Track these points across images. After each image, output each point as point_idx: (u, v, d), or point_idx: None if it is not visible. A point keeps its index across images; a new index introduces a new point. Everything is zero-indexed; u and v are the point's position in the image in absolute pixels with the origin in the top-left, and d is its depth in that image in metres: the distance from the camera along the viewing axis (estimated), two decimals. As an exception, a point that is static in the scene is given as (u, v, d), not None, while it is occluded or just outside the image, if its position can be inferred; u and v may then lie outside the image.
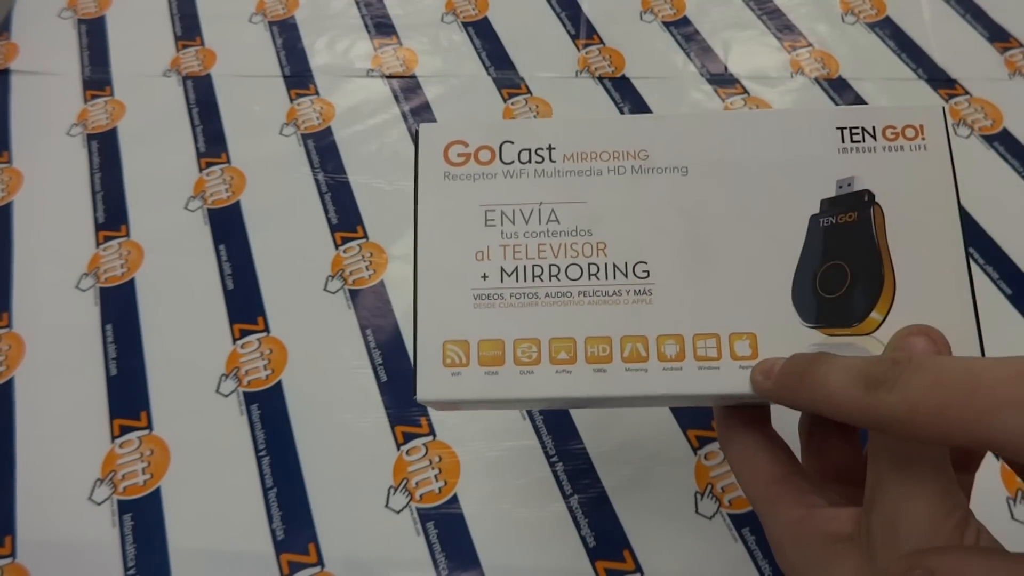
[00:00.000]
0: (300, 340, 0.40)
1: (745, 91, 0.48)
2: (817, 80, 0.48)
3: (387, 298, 0.41)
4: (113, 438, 0.37)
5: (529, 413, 0.37)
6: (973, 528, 0.18)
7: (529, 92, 0.48)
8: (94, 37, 0.52)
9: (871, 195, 0.23)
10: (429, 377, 0.23)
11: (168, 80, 0.50)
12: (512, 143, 0.24)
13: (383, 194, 0.45)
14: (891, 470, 0.18)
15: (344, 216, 0.44)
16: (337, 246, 0.43)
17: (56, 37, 0.52)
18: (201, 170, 0.46)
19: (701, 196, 0.23)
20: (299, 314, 0.41)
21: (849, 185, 0.23)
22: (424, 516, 0.35)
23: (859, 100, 0.47)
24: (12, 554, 0.34)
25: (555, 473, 0.36)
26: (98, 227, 0.44)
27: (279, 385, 0.38)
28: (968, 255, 0.22)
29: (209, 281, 0.42)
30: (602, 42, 0.51)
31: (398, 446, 0.36)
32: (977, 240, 0.41)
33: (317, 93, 0.49)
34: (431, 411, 0.37)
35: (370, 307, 0.40)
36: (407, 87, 0.49)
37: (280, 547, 0.34)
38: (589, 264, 0.23)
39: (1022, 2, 0.51)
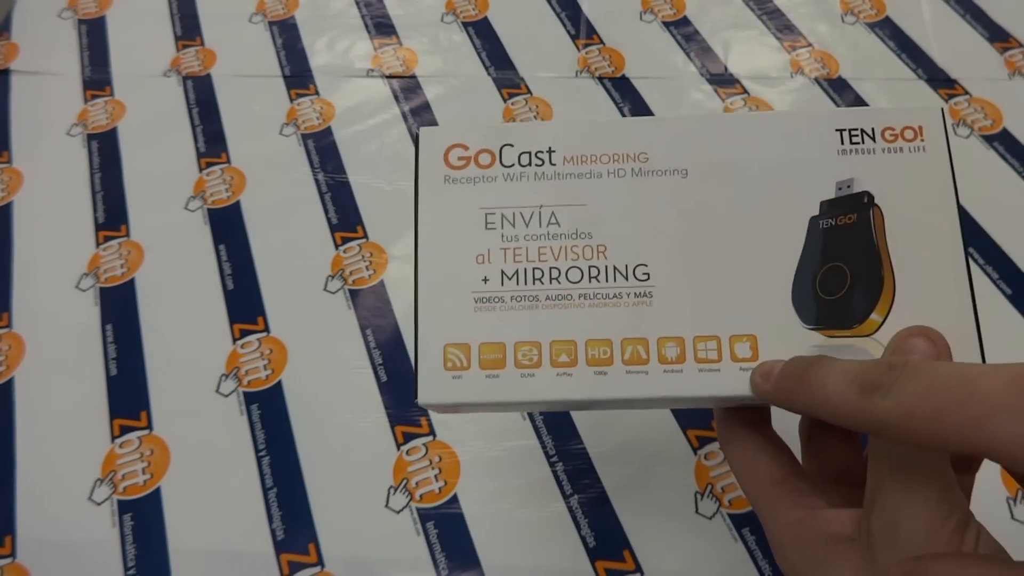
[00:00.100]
0: (300, 340, 0.40)
1: (745, 91, 0.48)
2: (817, 80, 0.48)
3: (387, 298, 0.41)
4: (113, 438, 0.37)
5: (529, 413, 0.37)
6: (973, 530, 0.18)
7: (529, 92, 0.48)
8: (94, 37, 0.52)
9: (870, 197, 0.23)
10: (430, 381, 0.23)
11: (168, 80, 0.50)
12: (512, 146, 0.24)
13: (383, 194, 0.45)
14: (891, 472, 0.18)
15: (344, 216, 0.44)
16: (337, 246, 0.43)
17: (56, 37, 0.52)
18: (201, 170, 0.46)
19: (701, 198, 0.23)
20: (299, 314, 0.41)
21: (848, 187, 0.23)
22: (424, 516, 0.35)
23: (859, 100, 0.47)
24: (12, 554, 0.34)
25: (555, 473, 0.36)
26: (98, 227, 0.44)
27: (279, 385, 0.38)
28: (968, 256, 0.22)
29: (209, 281, 0.42)
30: (602, 42, 0.51)
31: (398, 446, 0.36)
32: (977, 240, 0.41)
33: (317, 93, 0.49)
34: (431, 412, 0.37)
35: (370, 307, 0.41)
36: (407, 87, 0.49)
37: (280, 547, 0.34)
38: (589, 267, 0.23)
39: (1022, 2, 0.51)
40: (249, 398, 0.38)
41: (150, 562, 0.34)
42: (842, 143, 0.23)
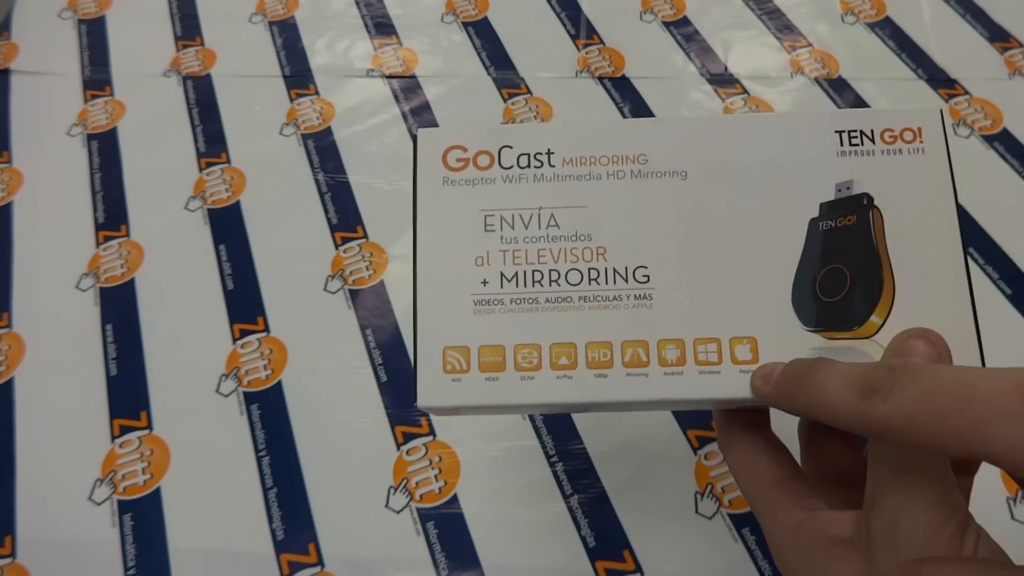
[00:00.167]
0: (300, 340, 0.40)
1: (745, 91, 0.48)
2: (817, 80, 0.48)
3: (387, 298, 0.41)
4: (113, 438, 0.37)
5: (529, 414, 0.37)
6: (973, 533, 0.18)
7: (529, 92, 0.48)
8: (94, 37, 0.52)
9: (870, 198, 0.23)
10: (429, 383, 0.23)
11: (168, 80, 0.50)
12: (511, 148, 0.24)
13: (383, 194, 0.45)
14: (891, 474, 0.18)
15: (344, 216, 0.44)
16: (337, 246, 0.43)
17: (56, 37, 0.52)
18: (201, 170, 0.46)
19: (701, 200, 0.23)
20: (299, 314, 0.41)
21: (848, 188, 0.23)
22: (424, 516, 0.35)
23: (859, 100, 0.47)
24: (12, 554, 0.34)
25: (555, 473, 0.36)
26: (98, 227, 0.44)
27: (279, 385, 0.38)
28: (967, 257, 0.22)
29: (209, 281, 0.42)
30: (602, 42, 0.51)
31: (398, 446, 0.36)
32: (977, 240, 0.41)
33: (317, 93, 0.49)
34: (429, 413, 0.37)
35: (370, 307, 0.41)
36: (407, 87, 0.49)
37: (280, 547, 0.34)
38: (589, 269, 0.23)
39: (1022, 2, 0.51)
40: (249, 398, 0.38)
41: (150, 562, 0.34)
42: (841, 145, 0.23)
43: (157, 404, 0.38)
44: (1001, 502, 0.34)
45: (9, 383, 0.39)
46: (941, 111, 0.24)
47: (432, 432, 0.37)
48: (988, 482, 0.32)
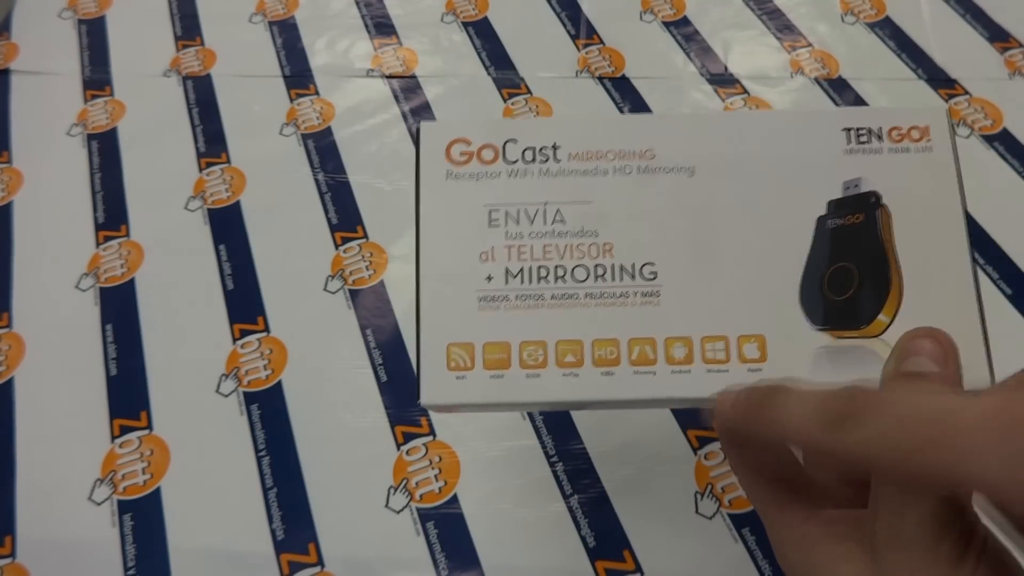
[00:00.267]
0: (300, 340, 0.40)
1: (745, 91, 0.48)
2: (817, 80, 0.48)
3: (387, 298, 0.41)
4: (113, 438, 0.37)
5: (529, 413, 0.37)
6: (979, 533, 0.18)
7: (529, 92, 0.48)
8: (94, 37, 0.52)
9: (878, 196, 0.23)
10: (433, 381, 0.22)
11: (168, 80, 0.50)
12: (516, 142, 0.24)
13: (383, 194, 0.45)
14: None
15: (344, 216, 0.44)
16: (337, 246, 0.43)
17: (56, 37, 0.52)
18: (201, 170, 0.46)
19: (708, 197, 0.23)
20: (299, 314, 0.41)
21: (856, 186, 0.23)
22: (424, 516, 0.35)
23: (859, 100, 0.47)
24: (12, 554, 0.34)
25: (555, 473, 0.36)
26: (98, 227, 0.44)
27: (279, 385, 0.38)
28: (974, 256, 0.22)
29: (209, 281, 0.42)
30: (602, 42, 0.51)
31: (398, 446, 0.36)
32: (977, 240, 0.41)
33: (317, 93, 0.49)
34: (432, 411, 0.37)
35: (370, 307, 0.40)
36: (407, 87, 0.49)
37: (280, 547, 0.34)
38: (596, 265, 0.23)
39: (1022, 2, 0.51)
40: (249, 398, 0.38)
41: (150, 562, 0.34)
42: (849, 142, 0.23)
43: (157, 404, 0.38)
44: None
45: (9, 383, 0.39)
46: (948, 110, 0.23)
47: (432, 432, 0.37)
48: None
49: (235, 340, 0.40)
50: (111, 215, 0.44)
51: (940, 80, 0.48)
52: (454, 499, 0.35)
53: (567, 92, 0.48)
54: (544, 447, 0.36)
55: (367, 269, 0.42)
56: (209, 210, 0.44)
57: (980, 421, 0.15)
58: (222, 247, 0.43)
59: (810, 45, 0.50)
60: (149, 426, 0.37)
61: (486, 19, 0.52)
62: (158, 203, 0.45)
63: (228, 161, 0.46)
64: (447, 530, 0.34)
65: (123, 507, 0.35)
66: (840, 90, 0.48)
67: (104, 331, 0.40)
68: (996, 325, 0.23)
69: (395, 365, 0.39)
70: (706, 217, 0.23)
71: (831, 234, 0.23)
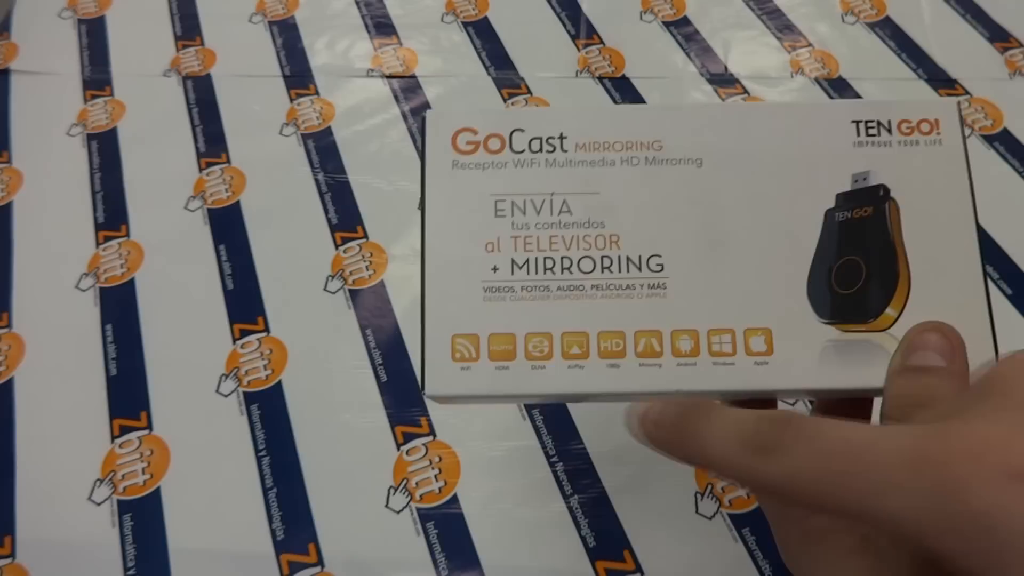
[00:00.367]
0: (300, 340, 0.40)
1: (745, 91, 0.48)
2: (817, 80, 0.48)
3: (387, 298, 0.41)
4: (113, 438, 0.37)
5: (529, 413, 0.37)
6: None
7: (529, 92, 0.48)
8: (94, 37, 0.52)
9: (886, 190, 0.23)
10: (438, 372, 0.22)
11: (168, 80, 0.50)
12: (523, 131, 0.24)
13: (383, 194, 0.45)
14: None
15: (344, 216, 0.44)
16: (337, 246, 0.43)
17: (56, 37, 0.52)
18: (201, 170, 0.46)
19: (716, 188, 0.23)
20: (299, 314, 0.41)
21: (865, 179, 0.23)
22: (424, 516, 0.35)
23: (859, 100, 0.47)
24: (12, 554, 0.34)
25: (555, 473, 0.36)
26: (98, 227, 0.44)
27: (279, 385, 0.38)
28: (983, 251, 0.22)
29: (209, 281, 0.42)
30: (602, 42, 0.51)
31: (398, 446, 0.36)
32: (977, 240, 0.41)
33: (317, 93, 0.49)
34: (432, 411, 0.37)
35: (370, 307, 0.40)
36: (407, 87, 0.49)
37: (280, 547, 0.34)
38: (602, 257, 0.23)
39: (1022, 2, 0.51)
40: (249, 398, 0.38)
41: (150, 562, 0.34)
42: (858, 135, 0.23)
43: (157, 404, 0.38)
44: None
45: (9, 383, 0.39)
46: (958, 103, 0.23)
47: (432, 432, 0.37)
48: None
49: (235, 340, 0.40)
50: (111, 215, 0.44)
51: (940, 80, 0.48)
52: (454, 499, 0.35)
53: (567, 92, 0.48)
54: (544, 447, 0.36)
55: (367, 269, 0.42)
56: (209, 210, 0.44)
57: (894, 457, 0.15)
58: (222, 247, 0.43)
59: (810, 45, 0.50)
60: (149, 426, 0.37)
61: (486, 19, 0.52)
62: (158, 203, 0.45)
63: (228, 161, 0.46)
64: (447, 530, 0.34)
65: (123, 507, 0.35)
66: (840, 90, 0.48)
67: (104, 331, 0.40)
68: (996, 325, 0.23)
69: (395, 365, 0.39)
70: (713, 209, 0.23)
71: (839, 227, 0.22)
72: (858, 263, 0.22)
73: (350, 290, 0.41)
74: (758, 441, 0.17)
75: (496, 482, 0.35)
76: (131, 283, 0.42)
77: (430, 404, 0.38)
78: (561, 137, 0.24)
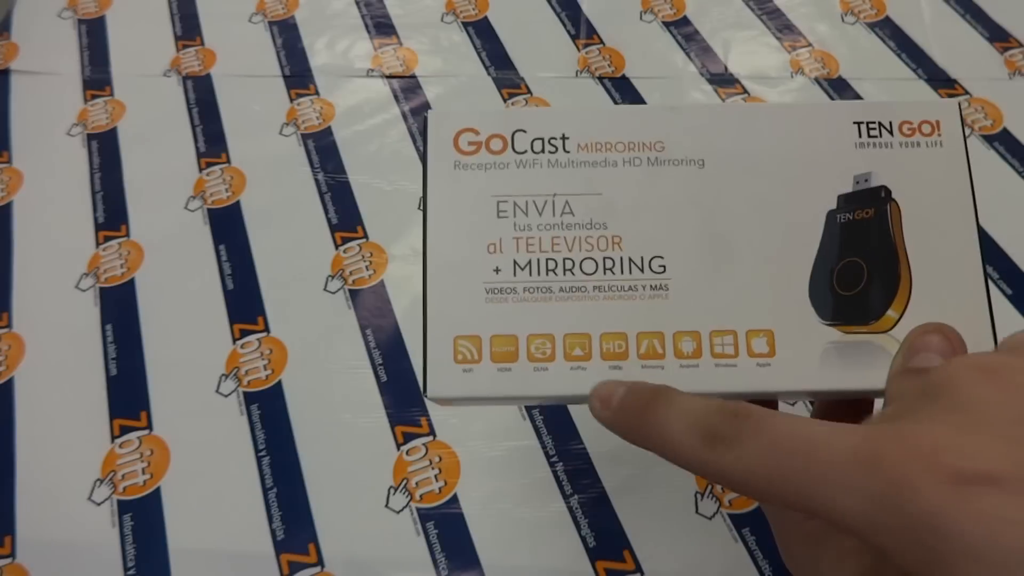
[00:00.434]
0: (300, 340, 0.40)
1: (745, 91, 0.48)
2: (817, 80, 0.48)
3: (387, 298, 0.41)
4: (113, 438, 0.37)
5: (529, 413, 0.37)
6: None
7: (529, 92, 0.48)
8: (94, 37, 0.52)
9: (888, 191, 0.23)
10: (440, 374, 0.22)
11: (168, 80, 0.50)
12: (525, 132, 0.24)
13: (383, 194, 0.45)
14: None
15: (344, 216, 0.44)
16: (337, 246, 0.43)
17: (56, 37, 0.52)
18: (201, 170, 0.46)
19: (718, 190, 0.23)
20: (299, 314, 0.41)
21: (866, 181, 0.23)
22: (424, 516, 0.35)
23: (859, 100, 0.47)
24: (12, 554, 0.34)
25: (555, 473, 0.36)
26: (98, 227, 0.44)
27: (279, 385, 0.38)
28: (984, 253, 0.22)
29: (209, 281, 0.42)
30: (602, 42, 0.51)
31: (398, 446, 0.36)
32: (977, 240, 0.41)
33: (317, 93, 0.49)
34: (431, 411, 0.37)
35: (370, 307, 0.40)
36: (407, 87, 0.49)
37: (280, 547, 0.34)
38: (604, 258, 0.23)
39: (1022, 2, 0.51)
40: (249, 398, 0.38)
41: (150, 562, 0.34)
42: (860, 136, 0.23)
43: (157, 404, 0.38)
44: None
45: (9, 383, 0.39)
46: (959, 105, 0.23)
47: (432, 432, 0.37)
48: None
49: (235, 340, 0.40)
50: (111, 215, 0.44)
51: (940, 80, 0.48)
52: (454, 499, 0.35)
53: (567, 92, 0.48)
54: (544, 447, 0.36)
55: (367, 269, 0.42)
56: (209, 210, 0.44)
57: (843, 455, 0.15)
58: (222, 247, 0.43)
59: (810, 45, 0.50)
60: (149, 426, 0.37)
61: (486, 19, 0.52)
62: (158, 203, 0.45)
63: (228, 161, 0.46)
64: (447, 530, 0.34)
65: (123, 507, 0.35)
66: (840, 90, 0.48)
67: (104, 331, 0.40)
68: (996, 325, 0.23)
69: (395, 365, 0.39)
70: (716, 210, 0.23)
71: (841, 228, 0.22)
72: (860, 265, 0.22)
73: (350, 290, 0.41)
74: (712, 432, 0.17)
75: (496, 482, 0.35)
76: (131, 283, 0.42)
77: (430, 404, 0.38)
78: (563, 138, 0.24)
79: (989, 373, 0.16)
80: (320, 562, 0.34)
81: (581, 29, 0.51)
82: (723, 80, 0.48)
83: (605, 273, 0.23)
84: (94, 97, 0.49)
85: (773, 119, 0.23)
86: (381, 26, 0.52)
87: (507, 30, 0.51)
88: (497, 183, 0.23)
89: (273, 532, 0.35)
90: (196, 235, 0.43)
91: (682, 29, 0.51)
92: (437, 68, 0.50)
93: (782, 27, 0.51)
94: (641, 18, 0.52)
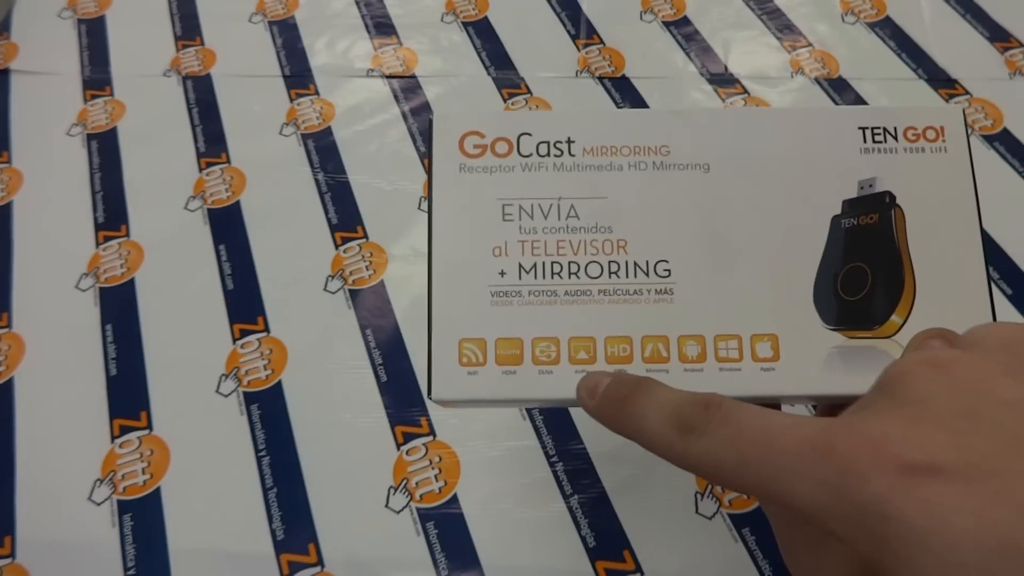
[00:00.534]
0: (300, 340, 0.40)
1: (745, 91, 0.48)
2: (817, 80, 0.48)
3: (387, 298, 0.41)
4: (113, 438, 0.37)
5: (529, 414, 0.37)
6: None
7: (529, 92, 0.48)
8: (94, 37, 0.52)
9: (892, 197, 0.23)
10: (444, 376, 0.22)
11: (168, 80, 0.50)
12: (530, 135, 0.24)
13: (383, 194, 0.45)
14: None
15: (344, 216, 0.44)
16: (337, 246, 0.43)
17: (56, 37, 0.52)
18: (201, 170, 0.46)
19: (723, 194, 0.23)
20: (299, 314, 0.41)
21: (871, 186, 0.23)
22: (424, 516, 0.35)
23: (859, 100, 0.47)
24: (12, 554, 0.34)
25: (555, 473, 0.36)
26: (98, 227, 0.44)
27: (279, 385, 0.38)
28: (987, 257, 0.22)
29: (209, 281, 0.42)
30: (602, 42, 0.51)
31: (398, 446, 0.36)
32: (977, 240, 0.41)
33: (317, 93, 0.49)
34: (432, 411, 0.37)
35: (370, 307, 0.40)
36: (407, 87, 0.49)
37: (280, 547, 0.34)
38: (610, 262, 0.23)
39: (1022, 2, 0.51)
40: (249, 398, 0.38)
41: (150, 562, 0.34)
42: (864, 141, 0.23)
43: (157, 404, 0.38)
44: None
45: (9, 383, 0.39)
46: (963, 110, 0.23)
47: (432, 432, 0.37)
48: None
49: (235, 340, 0.40)
50: (111, 215, 0.44)
51: (940, 80, 0.48)
52: (454, 499, 0.35)
53: (567, 92, 0.48)
54: (544, 447, 0.36)
55: (367, 269, 0.42)
56: (209, 210, 0.44)
57: (798, 445, 0.16)
58: (222, 247, 0.43)
59: (810, 45, 0.50)
60: (149, 426, 0.37)
61: (486, 19, 0.52)
62: (158, 203, 0.45)
63: (228, 161, 0.46)
64: (447, 530, 0.34)
65: (123, 507, 0.35)
66: (840, 90, 0.48)
67: (104, 331, 0.40)
68: (996, 325, 0.23)
69: (395, 365, 0.39)
70: (721, 214, 0.23)
71: (845, 234, 0.22)
72: (864, 270, 0.22)
73: (350, 290, 0.41)
74: (684, 422, 0.18)
75: (496, 482, 0.35)
76: (131, 283, 0.42)
77: (430, 404, 0.38)
78: (569, 141, 0.24)
79: (939, 368, 0.17)
80: (320, 562, 0.34)
81: (581, 29, 0.51)
82: (723, 80, 0.48)
83: (610, 277, 0.23)
84: (94, 97, 0.49)
85: (778, 124, 0.24)
86: (381, 26, 0.52)
87: (507, 30, 0.51)
88: (502, 186, 0.23)
89: (273, 532, 0.35)
90: (196, 235, 0.43)
91: (682, 29, 0.51)
92: (437, 68, 0.50)
93: (782, 27, 0.51)
94: (641, 18, 0.52)
